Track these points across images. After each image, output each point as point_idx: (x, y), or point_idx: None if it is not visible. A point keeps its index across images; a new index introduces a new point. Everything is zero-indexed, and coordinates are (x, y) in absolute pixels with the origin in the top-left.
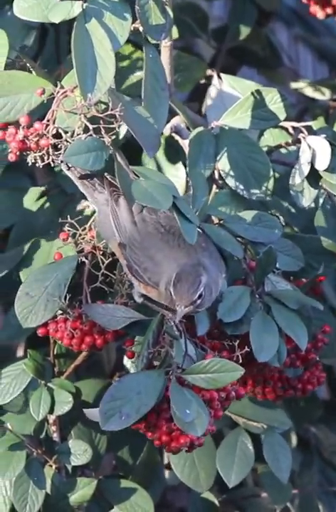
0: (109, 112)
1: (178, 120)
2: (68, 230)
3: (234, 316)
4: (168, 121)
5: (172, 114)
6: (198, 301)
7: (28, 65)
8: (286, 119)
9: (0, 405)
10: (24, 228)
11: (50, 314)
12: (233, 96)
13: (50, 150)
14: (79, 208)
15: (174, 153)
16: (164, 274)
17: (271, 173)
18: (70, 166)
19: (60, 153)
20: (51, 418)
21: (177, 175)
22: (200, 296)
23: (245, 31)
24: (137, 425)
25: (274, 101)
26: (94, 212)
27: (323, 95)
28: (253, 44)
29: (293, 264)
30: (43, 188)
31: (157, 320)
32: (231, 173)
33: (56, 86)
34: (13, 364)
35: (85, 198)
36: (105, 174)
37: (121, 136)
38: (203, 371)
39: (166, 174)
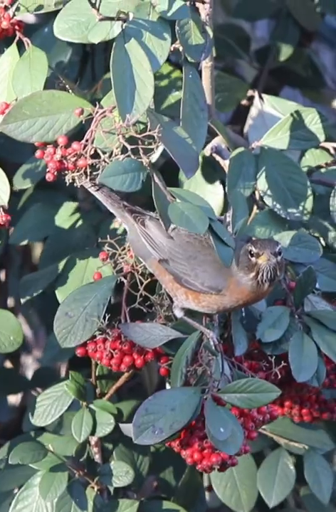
0: (147, 133)
1: (218, 141)
2: (108, 250)
3: (274, 336)
4: (209, 142)
5: (213, 134)
6: (279, 258)
7: (67, 86)
8: (328, 140)
9: (42, 427)
10: (58, 244)
11: (88, 334)
12: (275, 116)
13: (88, 170)
14: (113, 225)
15: (211, 172)
16: (220, 274)
17: (310, 193)
18: (98, 187)
19: (98, 174)
20: (93, 439)
21: (215, 192)
22: (280, 251)
23: (287, 52)
24: (170, 442)
25: (314, 121)
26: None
27: None
28: (295, 64)
29: (333, 284)
30: (77, 204)
31: (195, 337)
32: (270, 192)
33: (95, 106)
34: (54, 385)
35: None
36: (123, 202)
37: (156, 157)
38: (240, 390)
39: (204, 192)
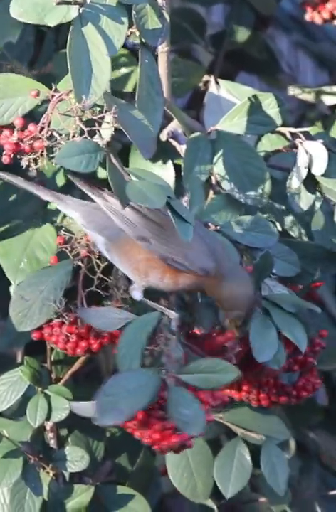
0: (104, 115)
1: (175, 125)
2: (64, 234)
3: None
4: (165, 127)
5: (169, 119)
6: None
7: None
8: (284, 125)
9: None
10: (5, 218)
11: (45, 318)
12: (231, 101)
13: (45, 152)
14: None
15: (163, 156)
16: (210, 256)
17: (266, 177)
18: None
19: (54, 156)
20: (48, 425)
21: (166, 176)
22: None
23: (242, 36)
24: (126, 423)
25: (271, 106)
26: None
27: (321, 102)
28: (251, 49)
29: (289, 269)
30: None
31: (155, 317)
32: (227, 177)
33: (50, 88)
34: (10, 371)
35: None
36: (73, 178)
37: (109, 135)
38: (198, 371)
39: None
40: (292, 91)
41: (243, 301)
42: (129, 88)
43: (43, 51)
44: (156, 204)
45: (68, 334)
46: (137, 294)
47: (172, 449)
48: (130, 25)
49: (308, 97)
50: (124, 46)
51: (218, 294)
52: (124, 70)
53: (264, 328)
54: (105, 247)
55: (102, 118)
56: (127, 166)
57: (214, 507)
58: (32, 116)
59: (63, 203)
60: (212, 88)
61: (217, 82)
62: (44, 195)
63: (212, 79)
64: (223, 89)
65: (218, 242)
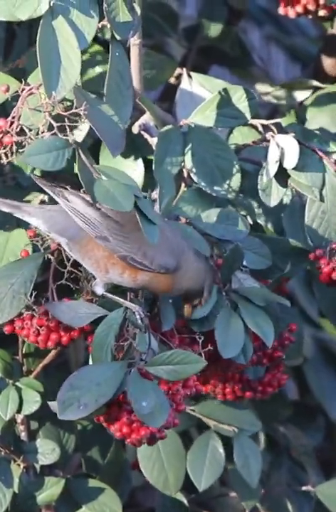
0: (73, 111)
1: (147, 118)
2: (35, 228)
3: (198, 314)
4: (137, 120)
5: (141, 112)
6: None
7: None
8: (256, 117)
9: None
10: None
11: (15, 311)
12: (203, 95)
13: (14, 147)
14: (34, 201)
15: (133, 149)
16: (171, 253)
17: (237, 171)
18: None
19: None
20: (19, 417)
21: (135, 169)
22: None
23: (215, 30)
24: (97, 417)
25: (242, 99)
26: None
27: (293, 95)
28: (223, 43)
29: (260, 262)
30: None
31: (121, 312)
32: (198, 170)
33: (20, 82)
34: None
35: (40, 191)
36: (33, 175)
37: (83, 135)
38: (166, 363)
39: (123, 168)
40: (264, 85)
41: (196, 280)
42: (98, 81)
43: (15, 46)
44: (124, 207)
45: (39, 327)
46: (99, 289)
47: (143, 442)
48: (101, 19)
49: (280, 90)
50: (96, 39)
51: (175, 289)
52: (98, 69)
53: (230, 323)
54: (68, 248)
55: (72, 114)
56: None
57: (185, 501)
58: (5, 111)
59: (22, 212)
60: (184, 81)
61: (189, 76)
62: (1, 206)
63: (184, 72)
64: (195, 83)
65: (178, 235)
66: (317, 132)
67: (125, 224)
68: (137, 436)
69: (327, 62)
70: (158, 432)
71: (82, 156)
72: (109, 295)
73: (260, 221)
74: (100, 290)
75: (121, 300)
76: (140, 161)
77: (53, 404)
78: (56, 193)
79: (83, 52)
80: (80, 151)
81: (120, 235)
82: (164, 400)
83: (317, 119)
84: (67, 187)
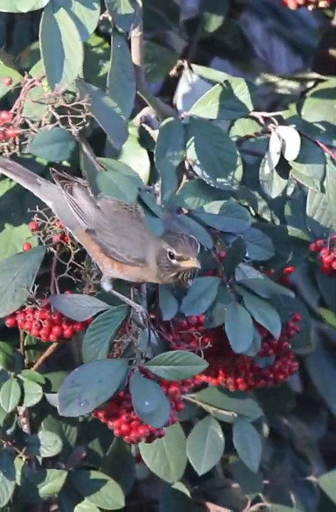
0: (76, 102)
1: (148, 111)
2: (37, 221)
3: (196, 311)
4: (138, 112)
5: (143, 105)
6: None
7: None
8: (257, 110)
9: None
10: None
11: (18, 305)
12: (204, 87)
13: (17, 140)
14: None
15: (138, 143)
16: (148, 247)
17: (239, 162)
18: (5, 166)
19: (27, 143)
20: (21, 410)
21: (141, 163)
22: (201, 246)
23: (216, 23)
24: (97, 413)
25: (243, 91)
26: None
27: (295, 88)
28: (225, 36)
29: (263, 253)
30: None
31: (124, 311)
32: (200, 162)
33: (23, 75)
34: None
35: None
36: (51, 169)
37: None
38: (167, 363)
39: (130, 163)
40: (266, 77)
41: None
42: (100, 73)
43: (15, 38)
44: (127, 197)
45: (41, 320)
46: (106, 286)
47: (142, 440)
48: (102, 11)
49: (281, 83)
50: (97, 31)
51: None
52: (101, 62)
53: (239, 318)
54: (75, 235)
55: (75, 106)
56: (99, 153)
57: (187, 492)
58: (7, 104)
59: (40, 189)
60: (186, 74)
61: (191, 68)
62: (22, 180)
63: (186, 64)
64: (196, 75)
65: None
66: (318, 125)
67: (107, 216)
68: (136, 434)
69: (329, 54)
70: (157, 431)
71: (85, 148)
72: (115, 292)
73: (263, 214)
74: (107, 287)
75: (126, 299)
76: (145, 155)
77: (52, 398)
78: (64, 185)
79: (91, 47)
80: (82, 143)
81: (104, 227)
82: (165, 401)
83: (317, 111)
84: (80, 181)
